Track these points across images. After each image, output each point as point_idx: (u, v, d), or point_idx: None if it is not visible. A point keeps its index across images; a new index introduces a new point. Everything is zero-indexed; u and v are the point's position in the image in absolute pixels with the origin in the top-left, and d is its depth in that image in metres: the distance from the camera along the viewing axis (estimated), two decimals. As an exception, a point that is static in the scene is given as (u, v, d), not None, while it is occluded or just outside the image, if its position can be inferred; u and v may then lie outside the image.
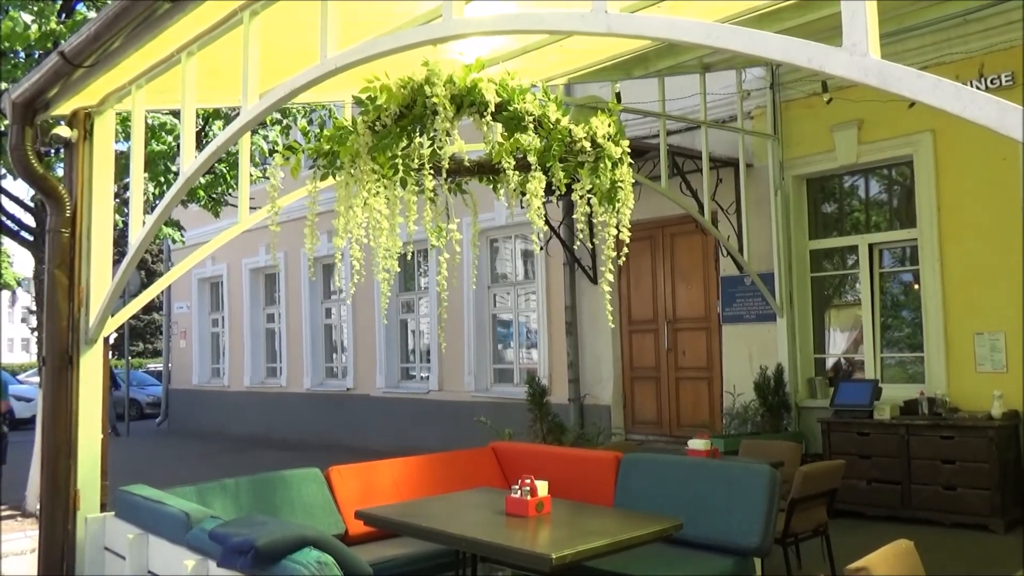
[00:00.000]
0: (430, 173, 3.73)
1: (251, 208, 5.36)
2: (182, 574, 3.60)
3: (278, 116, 8.95)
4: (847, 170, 8.74)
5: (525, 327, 12.21)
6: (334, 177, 3.91)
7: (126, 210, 7.54)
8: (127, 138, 7.05)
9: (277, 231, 3.95)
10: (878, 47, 2.05)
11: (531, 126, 3.68)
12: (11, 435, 9.21)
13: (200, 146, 5.60)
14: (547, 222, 8.79)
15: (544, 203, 4.43)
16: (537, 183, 3.68)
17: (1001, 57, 7.45)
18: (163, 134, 7.78)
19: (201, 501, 4.52)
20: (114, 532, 4.55)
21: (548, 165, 3.73)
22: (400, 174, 3.84)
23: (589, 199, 3.87)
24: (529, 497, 4.12)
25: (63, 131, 4.98)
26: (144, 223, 4.68)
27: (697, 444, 5.85)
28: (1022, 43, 7.21)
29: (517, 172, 3.72)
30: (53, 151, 7.33)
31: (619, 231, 3.92)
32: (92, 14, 7.50)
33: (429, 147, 3.81)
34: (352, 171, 3.77)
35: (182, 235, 10.74)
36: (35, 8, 7.20)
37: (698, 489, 4.80)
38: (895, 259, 8.72)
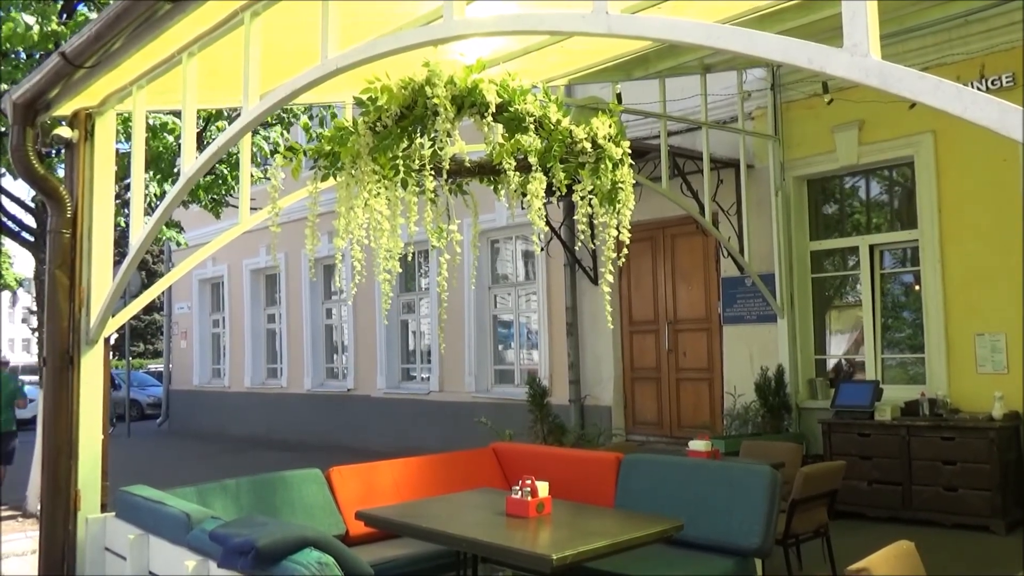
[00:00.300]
0: (431, 174, 3.73)
1: (252, 209, 5.36)
2: (183, 575, 3.60)
3: (280, 114, 8.95)
4: (848, 171, 8.74)
5: (526, 328, 12.20)
6: (335, 178, 3.91)
7: (127, 211, 7.55)
8: (128, 139, 7.05)
9: (278, 232, 3.95)
10: (879, 48, 2.05)
11: (532, 127, 3.68)
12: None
13: (202, 147, 5.60)
14: (548, 223, 8.72)
15: (545, 204, 4.43)
16: (538, 184, 3.68)
17: (1002, 58, 7.44)
18: (164, 135, 7.78)
19: (202, 502, 4.52)
20: (115, 533, 4.55)
21: (549, 166, 3.73)
22: (401, 175, 3.84)
23: (590, 200, 3.86)
24: (530, 498, 4.12)
25: (64, 132, 4.98)
26: (145, 224, 4.69)
27: (698, 445, 5.85)
28: (1023, 44, 7.21)
29: (518, 173, 3.71)
30: (54, 152, 7.33)
31: (620, 232, 3.92)
32: (93, 15, 7.50)
33: (430, 148, 3.81)
34: (353, 172, 3.77)
35: (183, 236, 10.72)
36: (36, 9, 7.20)
37: (699, 490, 4.80)
38: (896, 260, 8.72)
